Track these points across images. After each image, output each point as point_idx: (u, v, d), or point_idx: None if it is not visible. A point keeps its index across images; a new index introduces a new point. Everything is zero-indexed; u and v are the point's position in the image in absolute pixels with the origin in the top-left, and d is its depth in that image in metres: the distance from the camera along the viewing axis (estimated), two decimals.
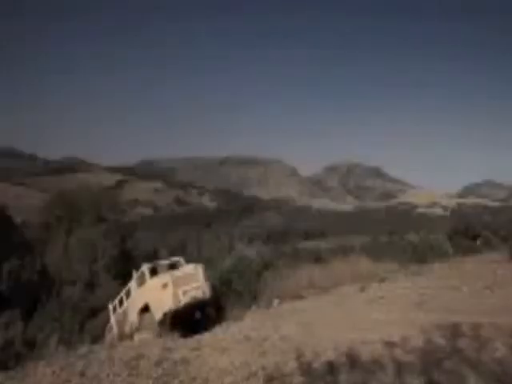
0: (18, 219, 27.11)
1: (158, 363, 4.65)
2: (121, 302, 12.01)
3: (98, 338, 10.80)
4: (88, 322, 12.67)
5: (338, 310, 5.85)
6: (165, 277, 10.10)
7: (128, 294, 11.52)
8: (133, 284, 11.24)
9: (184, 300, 9.64)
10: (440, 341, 3.23)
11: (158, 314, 9.67)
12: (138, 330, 10.38)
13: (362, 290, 7.85)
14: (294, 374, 3.34)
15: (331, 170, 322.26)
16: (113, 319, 11.97)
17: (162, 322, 9.66)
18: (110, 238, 19.72)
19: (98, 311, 13.54)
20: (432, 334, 3.40)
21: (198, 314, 10.41)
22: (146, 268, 10.73)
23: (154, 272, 10.83)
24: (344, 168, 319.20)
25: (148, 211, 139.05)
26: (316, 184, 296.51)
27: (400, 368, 2.92)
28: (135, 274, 11.06)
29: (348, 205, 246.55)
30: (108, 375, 4.54)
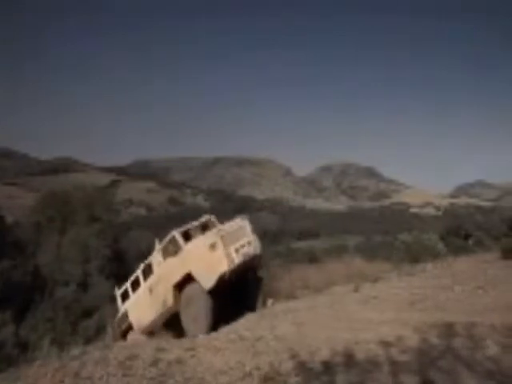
0: (10, 219, 26.87)
1: (153, 363, 4.63)
2: (135, 285, 10.07)
3: (91, 339, 10.73)
4: (81, 322, 12.59)
5: (332, 309, 5.87)
6: (209, 236, 8.43)
7: (147, 272, 9.67)
8: (155, 257, 9.35)
9: (238, 259, 8.11)
10: (434, 340, 3.26)
11: (209, 281, 7.93)
12: (172, 310, 8.63)
13: (356, 289, 7.89)
14: (289, 373, 3.34)
15: (325, 169, 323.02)
16: (124, 308, 10.24)
17: (213, 291, 7.97)
18: (103, 239, 19.64)
19: (91, 312, 13.44)
20: (426, 333, 3.43)
21: (250, 275, 9.15)
22: (177, 233, 8.86)
23: (186, 237, 9.10)
24: (338, 168, 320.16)
25: (141, 211, 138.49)
26: (310, 184, 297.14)
27: (395, 367, 2.94)
28: (159, 245, 9.25)
29: (342, 205, 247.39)
30: (102, 376, 4.52)
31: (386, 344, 3.41)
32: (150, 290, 9.30)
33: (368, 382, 2.84)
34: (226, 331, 6.53)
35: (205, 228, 9.72)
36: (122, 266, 19.87)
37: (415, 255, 15.94)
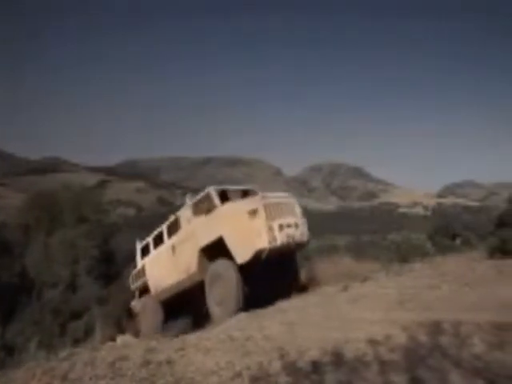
0: None
1: (143, 364, 4.60)
2: (157, 241, 8.91)
3: (79, 341, 10.65)
4: (69, 324, 12.47)
5: (322, 309, 5.90)
6: (250, 201, 7.09)
7: (173, 228, 8.35)
8: (184, 212, 7.99)
9: (281, 239, 6.70)
10: (422, 338, 3.30)
11: (242, 254, 6.57)
12: (194, 279, 7.45)
13: (345, 289, 7.92)
14: (279, 373, 3.36)
15: (314, 170, 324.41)
16: (142, 263, 9.27)
17: (246, 268, 6.69)
18: (92, 239, 19.40)
19: (79, 313, 13.33)
20: (414, 332, 3.47)
21: (287, 264, 7.84)
22: (213, 189, 7.58)
23: (223, 198, 7.80)
24: (327, 168, 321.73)
25: (130, 211, 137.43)
26: (301, 184, 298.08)
27: (384, 366, 2.97)
28: (189, 199, 7.99)
29: (332, 205, 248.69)
30: (91, 378, 4.47)
31: (374, 343, 3.44)
32: (173, 249, 8.04)
33: (357, 381, 2.87)
34: (216, 331, 6.51)
35: (245, 195, 8.51)
36: (111, 267, 19.69)
37: (404, 255, 16.10)
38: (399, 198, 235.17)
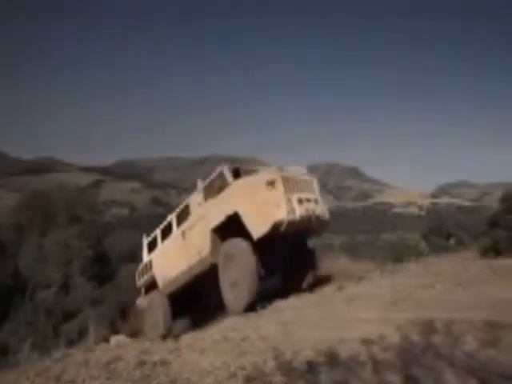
0: None
1: (137, 366, 4.59)
2: (166, 233, 8.49)
3: (73, 342, 10.58)
4: (63, 325, 12.40)
5: (317, 309, 5.92)
6: (267, 172, 6.79)
7: (183, 216, 8.01)
8: (195, 198, 7.71)
9: (300, 211, 6.35)
10: (416, 337, 3.32)
11: (259, 226, 6.18)
12: (206, 262, 7.06)
13: (340, 289, 7.95)
14: (273, 373, 3.36)
15: (310, 169, 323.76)
16: (148, 258, 8.88)
17: (262, 247, 6.31)
18: (86, 239, 19.30)
19: (73, 314, 13.26)
20: (408, 331, 3.49)
21: (312, 243, 7.61)
22: (225, 168, 7.33)
23: (236, 175, 7.49)
24: (323, 168, 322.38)
25: (125, 211, 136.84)
26: None
27: (378, 365, 2.99)
28: (201, 182, 7.71)
29: (328, 204, 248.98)
30: (85, 379, 4.45)
31: (369, 342, 3.46)
32: (183, 235, 7.65)
33: (351, 381, 2.88)
34: (211, 332, 6.50)
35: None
36: (105, 267, 19.60)
37: (398, 254, 16.20)
38: (394, 197, 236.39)
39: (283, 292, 7.07)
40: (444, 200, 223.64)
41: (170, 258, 8.13)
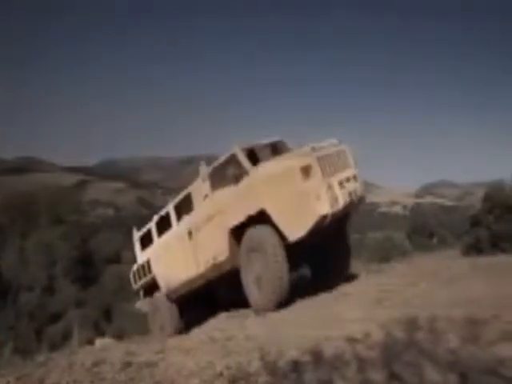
0: None
1: (122, 368, 4.54)
2: (163, 226, 7.37)
3: (57, 345, 10.39)
4: (46, 328, 12.18)
5: (303, 308, 5.95)
6: (297, 155, 5.59)
7: (183, 208, 6.93)
8: (198, 187, 6.53)
9: (343, 198, 5.38)
10: (399, 335, 3.37)
11: (297, 227, 5.19)
12: (225, 267, 6.11)
13: (326, 288, 8.01)
14: (258, 373, 3.37)
15: None
16: (145, 257, 7.62)
17: (298, 245, 5.39)
18: (69, 240, 19.02)
19: (56, 317, 13.03)
20: (392, 328, 3.54)
21: (340, 232, 6.52)
22: (239, 150, 6.06)
23: (252, 157, 6.28)
24: None
25: (109, 212, 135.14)
26: None
27: (363, 363, 3.02)
28: (204, 168, 6.51)
29: None
30: (68, 383, 4.38)
31: (353, 341, 3.50)
32: (190, 235, 6.53)
33: (336, 379, 2.91)
34: (196, 332, 6.48)
35: (275, 152, 6.81)
36: (90, 269, 19.33)
37: (384, 254, 16.40)
38: (380, 197, 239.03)
39: (313, 286, 6.40)
40: (427, 200, 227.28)
41: (175, 261, 7.02)
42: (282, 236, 5.44)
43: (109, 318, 15.76)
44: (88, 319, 14.27)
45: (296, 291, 6.14)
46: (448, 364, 2.71)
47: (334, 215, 5.30)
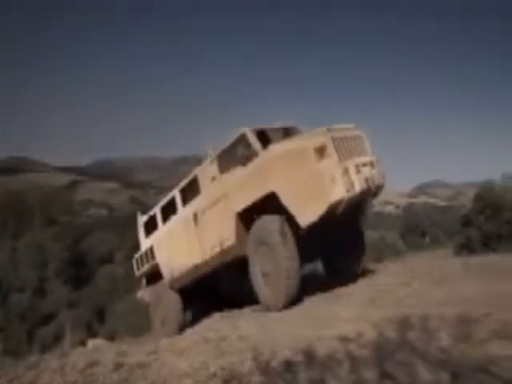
0: None
1: (114, 369, 4.51)
2: (167, 212, 7.13)
3: (48, 347, 10.29)
4: (37, 330, 12.06)
5: (296, 308, 5.95)
6: (312, 135, 5.24)
7: (191, 191, 6.54)
8: (205, 170, 6.22)
9: (359, 183, 5.06)
10: (391, 334, 3.38)
11: (309, 210, 4.83)
12: (231, 253, 5.84)
13: (320, 288, 8.03)
14: (252, 373, 3.37)
15: None
16: (148, 243, 7.37)
17: (310, 237, 5.21)
18: (61, 241, 18.87)
19: (48, 318, 12.91)
20: (384, 328, 3.56)
21: (363, 219, 6.30)
22: (249, 131, 5.78)
23: (262, 139, 5.92)
24: None
25: (103, 212, 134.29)
26: None
27: (355, 362, 3.03)
28: (211, 150, 6.22)
29: None
30: None
31: (346, 340, 3.50)
32: (195, 219, 6.23)
33: (329, 379, 2.91)
34: (189, 332, 6.46)
35: (288, 136, 6.32)
36: (82, 269, 19.19)
37: (378, 253, 16.50)
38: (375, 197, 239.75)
39: (326, 281, 6.16)
40: (421, 199, 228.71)
41: (179, 247, 6.70)
42: (292, 224, 5.11)
43: (101, 319, 15.65)
44: (80, 320, 14.16)
45: (305, 286, 5.96)
46: (440, 363, 2.73)
47: (349, 201, 4.94)
